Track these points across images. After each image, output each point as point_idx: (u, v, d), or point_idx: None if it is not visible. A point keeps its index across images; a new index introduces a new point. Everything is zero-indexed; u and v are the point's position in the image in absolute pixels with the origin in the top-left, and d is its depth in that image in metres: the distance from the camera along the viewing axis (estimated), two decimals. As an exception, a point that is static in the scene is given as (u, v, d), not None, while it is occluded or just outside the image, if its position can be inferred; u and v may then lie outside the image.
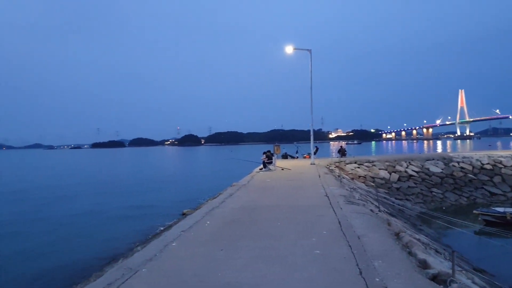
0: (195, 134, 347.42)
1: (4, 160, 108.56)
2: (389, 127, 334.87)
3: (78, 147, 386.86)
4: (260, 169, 21.19)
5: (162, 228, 13.59)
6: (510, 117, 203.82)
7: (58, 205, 21.91)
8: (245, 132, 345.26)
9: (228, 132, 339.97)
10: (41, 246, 12.99)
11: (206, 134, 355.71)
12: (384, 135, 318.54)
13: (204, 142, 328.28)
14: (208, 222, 7.97)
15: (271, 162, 21.12)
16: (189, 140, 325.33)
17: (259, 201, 10.62)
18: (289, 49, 23.94)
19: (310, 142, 26.17)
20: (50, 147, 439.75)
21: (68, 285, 8.91)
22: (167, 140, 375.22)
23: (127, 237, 13.61)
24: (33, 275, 10.17)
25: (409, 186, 22.89)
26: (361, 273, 4.59)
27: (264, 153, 21.73)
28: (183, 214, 14.75)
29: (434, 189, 22.88)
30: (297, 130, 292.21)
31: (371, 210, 10.58)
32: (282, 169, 20.38)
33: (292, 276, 4.61)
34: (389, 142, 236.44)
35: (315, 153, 27.00)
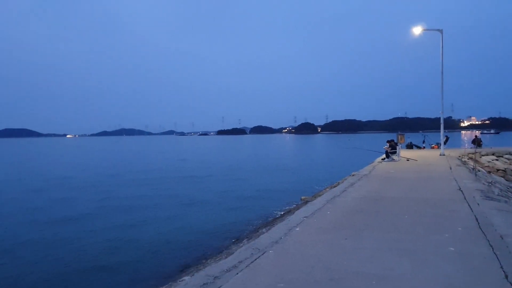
0: (311, 122, 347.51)
1: (147, 145, 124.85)
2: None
3: (205, 133, 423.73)
4: (383, 159, 20.23)
5: (283, 213, 14.12)
6: None
7: (188, 188, 24.46)
8: (364, 120, 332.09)
9: (345, 120, 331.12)
10: (174, 222, 14.70)
11: (322, 122, 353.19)
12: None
13: (321, 130, 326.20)
14: (330, 210, 8.01)
15: (395, 152, 19.96)
16: (305, 128, 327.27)
17: (383, 192, 10.21)
18: (417, 30, 22.09)
19: (438, 131, 23.98)
20: (181, 134, 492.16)
21: (199, 259, 9.91)
22: (285, 128, 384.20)
23: (250, 219, 14.52)
24: (169, 247, 11.52)
25: None
26: (507, 277, 4.10)
27: (388, 142, 20.66)
28: (302, 200, 15.05)
29: None
30: (423, 118, 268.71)
31: (517, 209, 9.27)
32: (408, 160, 19.11)
33: (424, 273, 4.36)
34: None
35: (445, 143, 24.59)
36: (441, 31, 21.94)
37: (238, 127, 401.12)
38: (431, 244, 5.43)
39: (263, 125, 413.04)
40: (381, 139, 23.25)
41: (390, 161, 19.29)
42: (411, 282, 4.11)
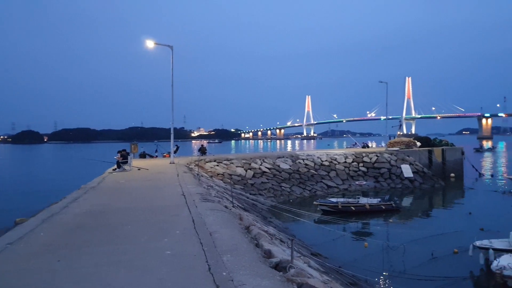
0: (35, 130, 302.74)
1: None
2: (247, 127, 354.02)
3: None
4: (114, 169, 19.83)
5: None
6: (344, 121, 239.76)
7: None
8: (98, 129, 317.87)
9: (78, 128, 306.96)
10: None
11: (50, 131, 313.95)
12: (243, 134, 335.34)
13: (48, 140, 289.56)
14: (44, 231, 6.99)
15: (127, 162, 19.94)
16: (27, 137, 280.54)
17: (110, 204, 9.88)
18: (150, 44, 23.19)
19: (170, 141, 25.73)
20: None
21: None
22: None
23: None
24: None
25: (262, 182, 24.63)
26: (209, 269, 4.65)
27: (119, 152, 20.39)
28: (17, 223, 12.70)
29: (284, 184, 25.20)
30: (158, 128, 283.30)
31: (226, 206, 10.94)
32: (139, 169, 19.47)
33: (141, 280, 4.39)
34: (247, 141, 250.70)
35: (175, 152, 26.70)
36: (171, 47, 23.67)
37: None
38: (151, 251, 5.57)
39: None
40: (116, 149, 22.75)
41: (122, 171, 19.14)
42: (126, 294, 4.03)
